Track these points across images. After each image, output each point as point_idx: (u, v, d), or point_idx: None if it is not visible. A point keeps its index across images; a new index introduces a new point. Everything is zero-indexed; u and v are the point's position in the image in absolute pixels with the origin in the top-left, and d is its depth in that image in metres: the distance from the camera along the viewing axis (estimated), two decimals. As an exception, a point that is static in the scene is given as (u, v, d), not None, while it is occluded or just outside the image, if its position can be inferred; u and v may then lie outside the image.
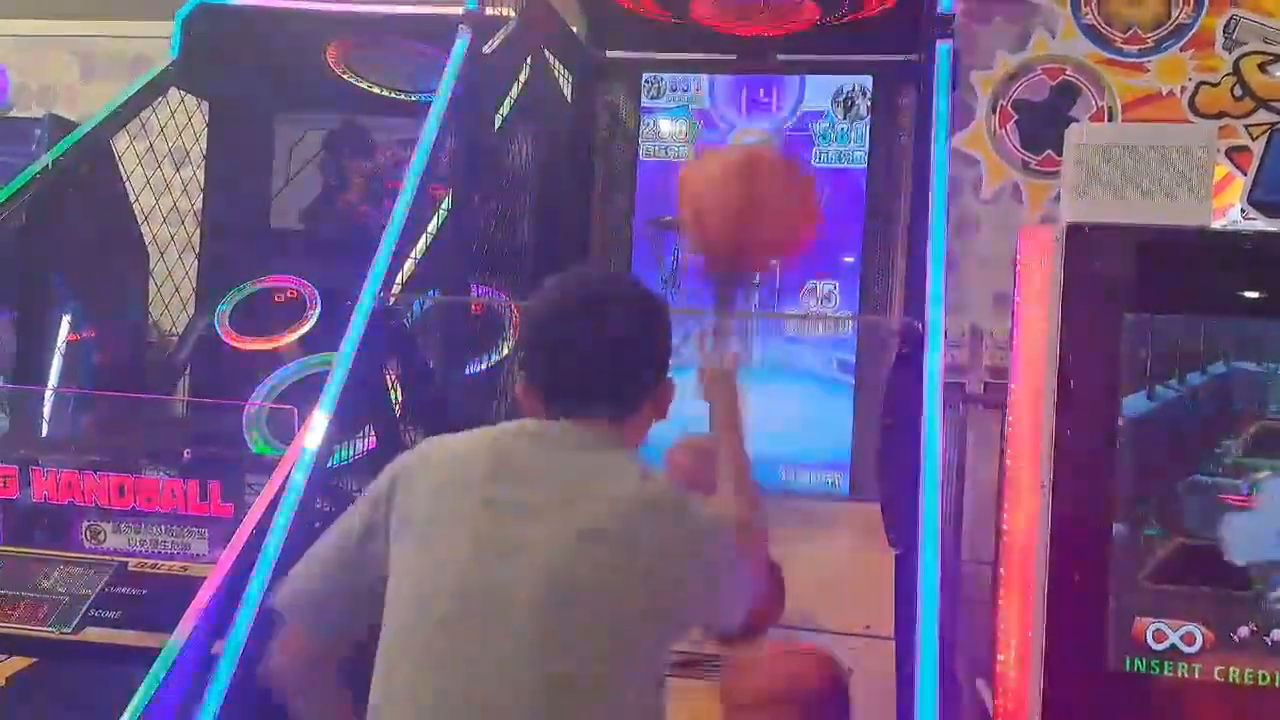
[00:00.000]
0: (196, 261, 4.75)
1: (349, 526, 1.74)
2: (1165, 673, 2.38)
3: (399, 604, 1.63)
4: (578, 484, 1.64)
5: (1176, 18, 4.51)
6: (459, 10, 3.39)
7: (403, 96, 4.75)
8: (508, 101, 3.75)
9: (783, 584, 2.37)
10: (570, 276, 1.83)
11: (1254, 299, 2.43)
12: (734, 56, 4.31)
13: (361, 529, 1.72)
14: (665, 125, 4.57)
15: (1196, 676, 2.37)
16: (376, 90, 4.79)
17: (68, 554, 3.01)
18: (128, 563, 2.98)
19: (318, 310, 4.45)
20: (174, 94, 4.44)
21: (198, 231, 4.78)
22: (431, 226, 3.43)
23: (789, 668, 2.30)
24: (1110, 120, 4.52)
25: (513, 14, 3.65)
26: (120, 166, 4.22)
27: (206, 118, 4.72)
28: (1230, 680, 2.36)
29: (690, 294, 4.04)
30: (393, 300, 2.95)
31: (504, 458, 1.70)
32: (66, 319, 4.11)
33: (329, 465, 2.79)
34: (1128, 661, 2.38)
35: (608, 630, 1.56)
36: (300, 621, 1.74)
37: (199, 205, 4.77)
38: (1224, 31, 4.46)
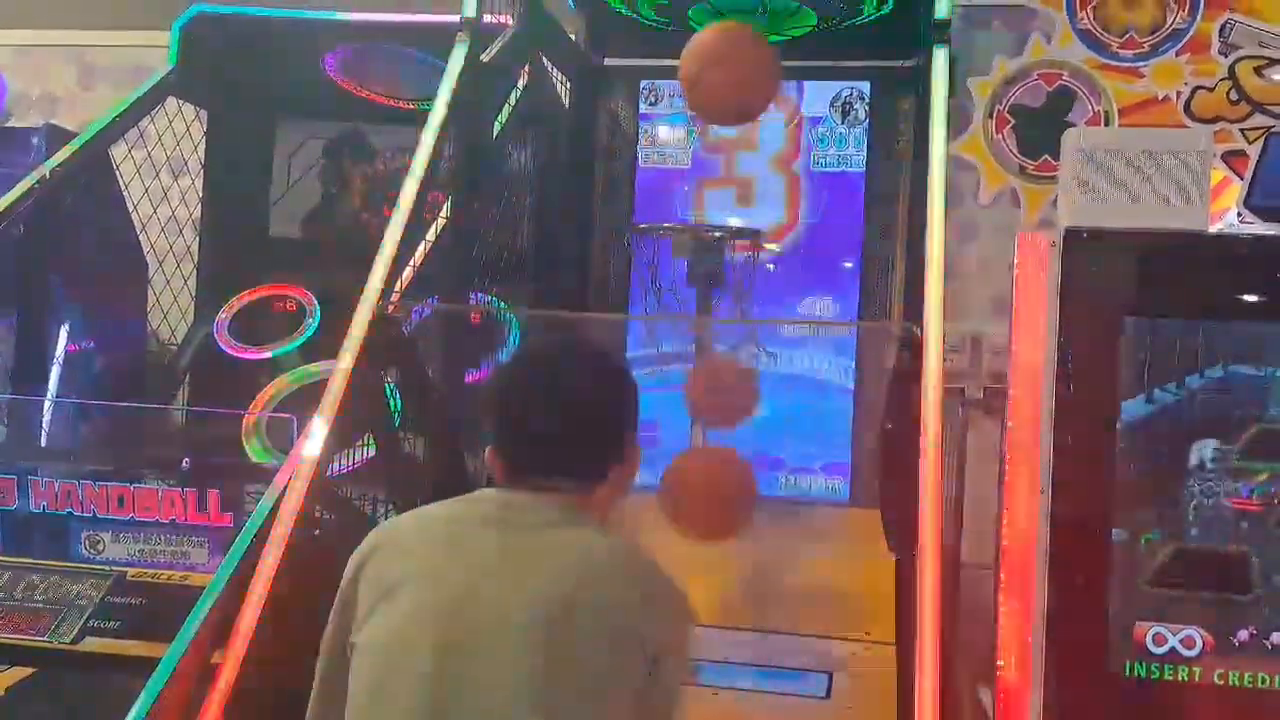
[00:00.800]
0: (195, 270, 4.75)
1: (325, 639, 1.74)
2: (1166, 676, 2.37)
3: (365, 673, 1.62)
4: (534, 553, 1.63)
5: (1172, 22, 4.51)
6: (457, 18, 3.39)
7: (402, 104, 4.75)
8: (506, 109, 3.75)
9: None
10: (533, 345, 1.83)
11: (1252, 303, 2.42)
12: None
13: (334, 633, 1.72)
14: (663, 132, 4.58)
15: (1197, 680, 2.36)
16: (375, 98, 4.79)
17: (67, 564, 3.01)
18: (127, 572, 2.97)
19: (317, 318, 4.45)
20: (172, 102, 4.44)
21: (196, 240, 4.78)
22: (431, 234, 3.43)
23: None
24: (1107, 125, 4.52)
25: (511, 22, 3.65)
26: (119, 175, 4.22)
27: (205, 126, 4.72)
28: (1230, 683, 2.36)
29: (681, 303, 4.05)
30: (392, 308, 2.95)
31: (459, 534, 1.69)
32: (65, 328, 4.11)
33: (328, 474, 2.79)
34: (1128, 666, 2.38)
35: (578, 682, 1.55)
36: None
37: (197, 214, 4.76)
38: (1219, 36, 4.46)
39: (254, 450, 3.63)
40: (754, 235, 3.92)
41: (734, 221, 4.41)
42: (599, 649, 1.57)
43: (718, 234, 3.79)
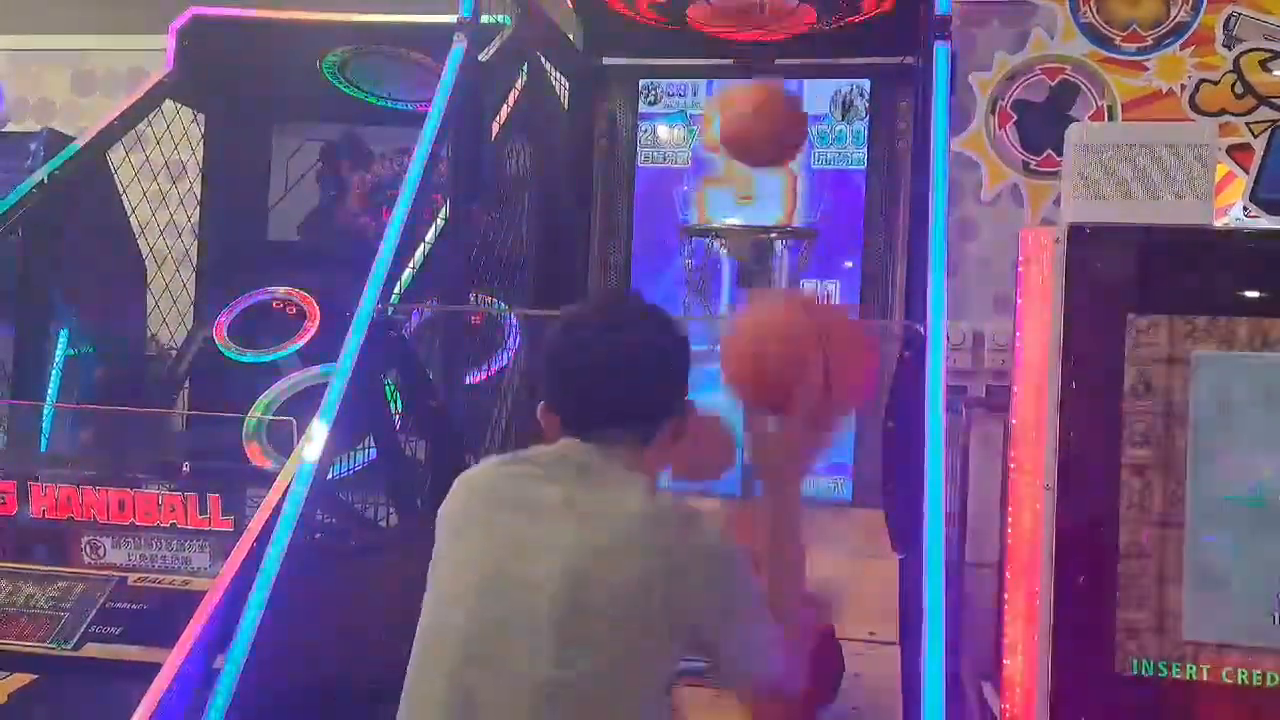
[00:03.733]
0: (194, 274, 4.74)
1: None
2: (1173, 674, 2.36)
3: (424, 619, 1.70)
4: (586, 503, 1.65)
5: (1176, 15, 4.49)
6: (454, 19, 3.38)
7: (400, 106, 4.74)
8: (505, 109, 3.74)
9: (837, 667, 2.38)
10: (590, 301, 1.84)
11: (1257, 297, 2.41)
12: (731, 61, 4.30)
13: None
14: (663, 131, 4.57)
15: (1205, 678, 2.35)
16: (373, 100, 4.79)
17: (68, 570, 3.00)
18: (128, 577, 2.97)
19: (317, 321, 4.44)
20: (169, 106, 4.44)
21: (195, 244, 4.77)
22: (429, 236, 3.42)
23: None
24: (1110, 119, 4.50)
25: (508, 21, 3.64)
26: (117, 179, 4.21)
27: (203, 129, 4.72)
28: (1239, 681, 2.34)
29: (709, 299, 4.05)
30: (391, 310, 2.94)
31: (515, 481, 1.74)
32: (64, 333, 4.10)
33: (329, 477, 2.78)
34: (1134, 663, 2.37)
35: (622, 637, 1.58)
36: None
37: (196, 217, 4.76)
38: (1224, 29, 4.45)
39: (254, 454, 3.62)
40: (808, 236, 3.93)
41: (733, 221, 4.39)
42: (621, 614, 1.58)
43: (772, 235, 3.79)
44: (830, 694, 2.40)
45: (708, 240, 3.94)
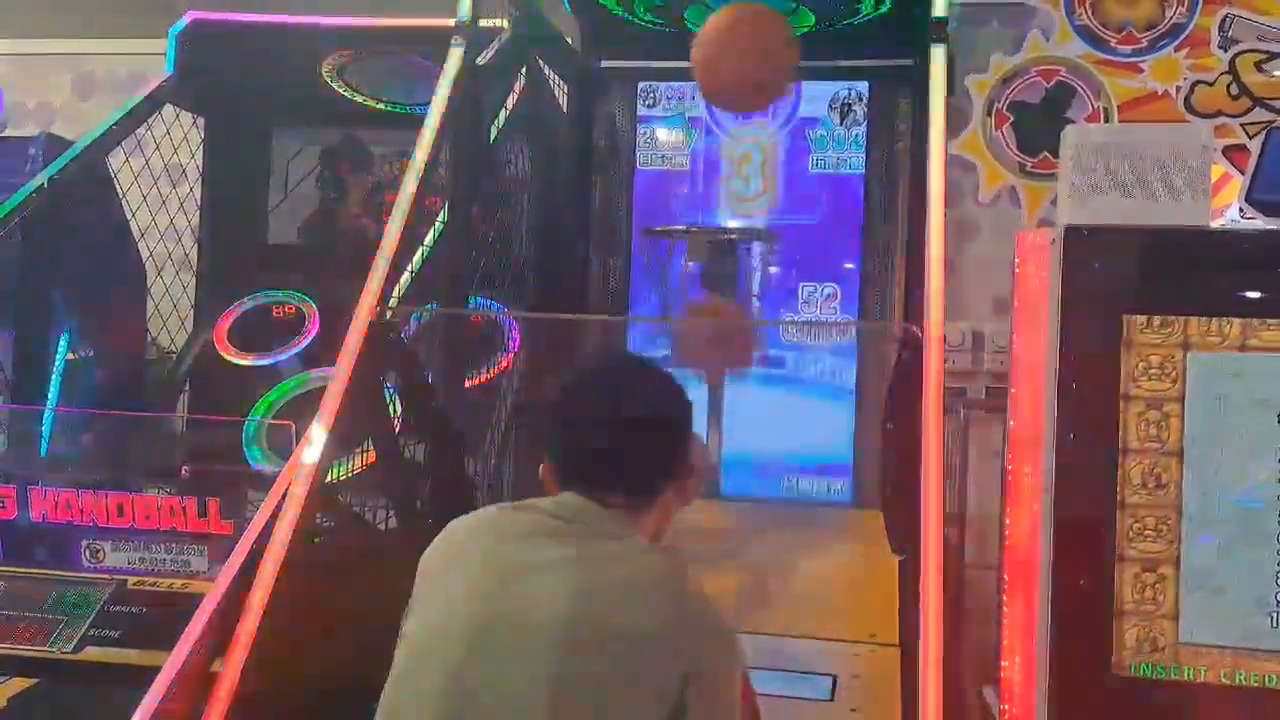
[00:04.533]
0: (194, 278, 4.75)
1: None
2: (1171, 676, 2.36)
3: (400, 660, 1.67)
4: (582, 562, 1.64)
5: (1171, 17, 4.50)
6: (453, 22, 3.38)
7: (399, 109, 4.75)
8: (503, 112, 3.75)
9: None
10: (593, 361, 1.85)
11: (1253, 299, 2.41)
12: (730, 64, 4.30)
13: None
14: (662, 134, 4.58)
15: (1203, 679, 2.35)
16: (373, 103, 4.79)
17: (67, 573, 3.00)
18: (127, 581, 2.97)
19: (317, 325, 4.44)
20: (169, 110, 4.44)
21: (195, 247, 4.77)
22: (429, 239, 3.43)
23: None
24: (1106, 121, 4.51)
25: (506, 25, 3.64)
26: (117, 184, 4.22)
27: (202, 133, 4.72)
28: (1238, 682, 2.34)
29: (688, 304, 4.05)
30: (390, 313, 2.94)
31: (508, 533, 1.71)
32: (65, 337, 4.10)
33: (327, 480, 2.78)
34: (1133, 665, 2.37)
35: (612, 694, 1.56)
36: None
37: (196, 221, 4.76)
38: (1219, 30, 4.46)
39: (254, 457, 3.62)
40: (768, 237, 3.93)
41: (734, 223, 4.41)
42: (622, 665, 1.56)
43: (732, 236, 3.79)
44: None
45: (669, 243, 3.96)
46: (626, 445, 1.73)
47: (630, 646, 1.57)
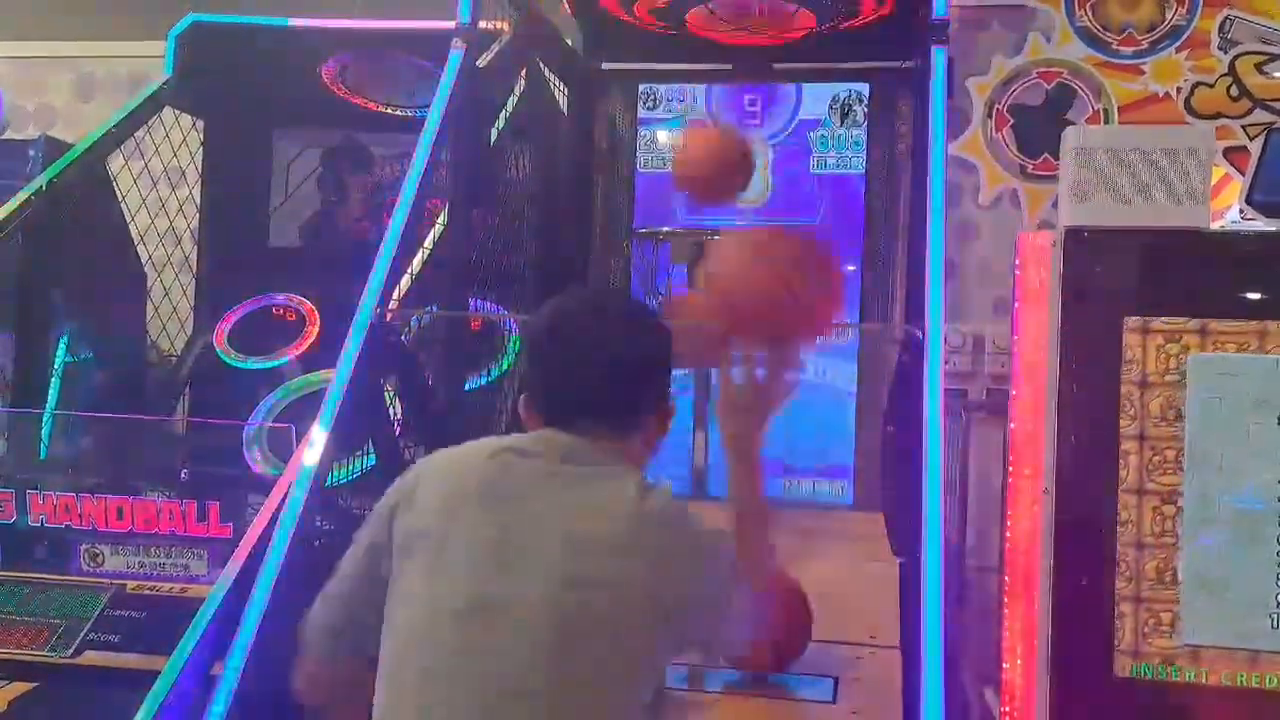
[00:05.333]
0: (194, 280, 4.74)
1: (355, 552, 1.76)
2: (1172, 678, 2.36)
3: (404, 618, 1.65)
4: (576, 497, 1.65)
5: (1171, 19, 4.50)
6: (453, 24, 3.38)
7: (399, 111, 4.74)
8: (503, 115, 3.74)
9: (806, 621, 2.39)
10: (571, 294, 1.85)
11: (1254, 300, 2.41)
12: (730, 66, 4.31)
13: (367, 551, 1.74)
14: (662, 136, 4.57)
15: (1203, 681, 2.35)
16: (373, 105, 4.79)
17: (67, 577, 3.00)
18: (126, 585, 2.96)
19: (317, 327, 4.44)
20: (169, 112, 4.44)
21: (195, 250, 4.77)
22: (429, 241, 3.42)
23: None
24: (1107, 123, 4.51)
25: (507, 27, 3.64)
26: (116, 186, 4.21)
27: (202, 136, 4.72)
28: (1238, 684, 2.34)
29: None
30: (390, 316, 2.94)
31: (502, 473, 1.70)
32: (64, 340, 4.10)
33: (328, 483, 2.78)
34: (1134, 667, 2.37)
35: (610, 640, 1.58)
36: (317, 651, 1.79)
37: (196, 224, 4.76)
38: (1219, 32, 4.45)
39: (254, 461, 3.62)
40: None
41: (719, 222, 4.40)
42: (627, 601, 1.58)
43: (715, 236, 3.77)
44: (800, 648, 2.40)
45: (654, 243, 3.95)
46: (606, 379, 1.73)
47: (634, 586, 1.59)
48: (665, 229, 4.13)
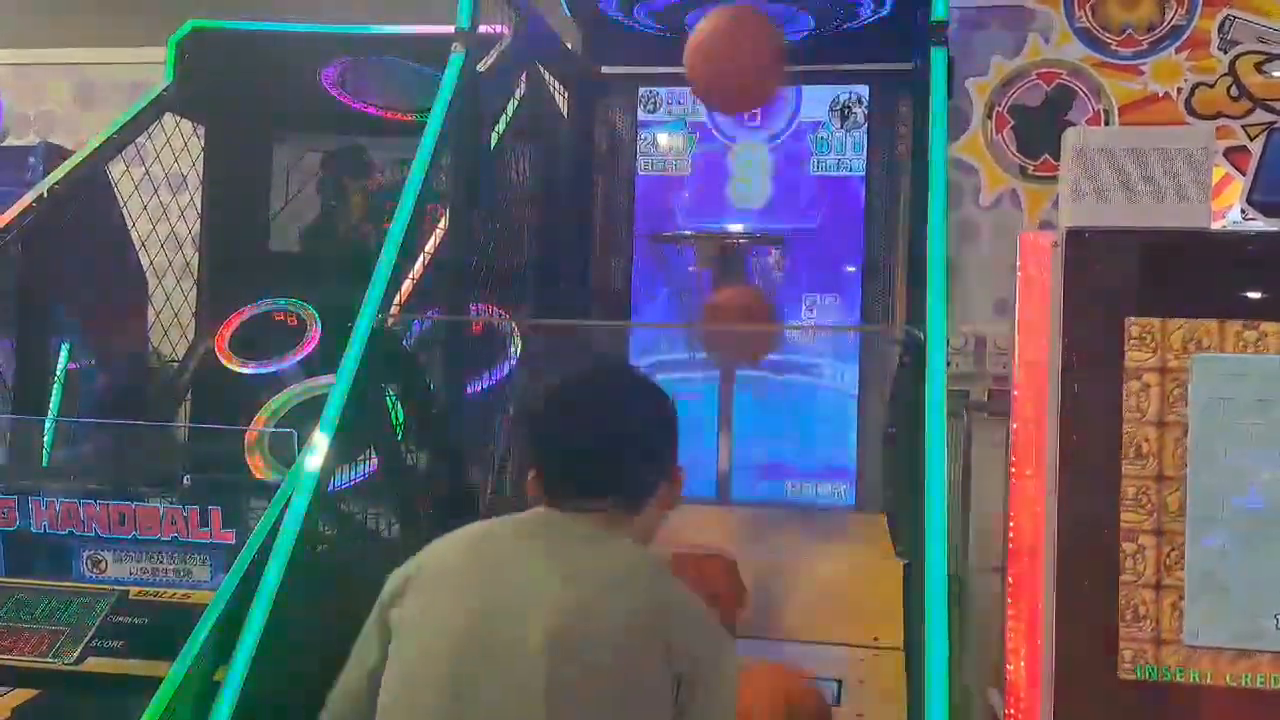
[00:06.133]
0: (195, 286, 4.74)
1: (360, 644, 1.78)
2: (1176, 678, 2.36)
3: (385, 697, 1.66)
4: (563, 564, 1.65)
5: (1171, 19, 4.50)
6: (453, 29, 3.38)
7: (400, 116, 4.74)
8: (504, 118, 3.74)
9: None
10: (578, 370, 1.86)
11: (1255, 300, 2.41)
12: (729, 69, 4.30)
13: (364, 643, 1.76)
14: (663, 139, 4.57)
15: (1208, 682, 2.35)
16: (373, 110, 4.79)
17: (69, 584, 3.00)
18: (129, 591, 2.96)
19: (318, 332, 4.44)
20: (170, 118, 4.44)
21: (196, 256, 4.77)
22: (430, 246, 3.42)
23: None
24: (1107, 123, 4.51)
25: (507, 31, 3.64)
26: (117, 192, 4.21)
27: (203, 141, 4.72)
28: (1242, 685, 2.34)
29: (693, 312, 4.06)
30: (391, 321, 2.94)
31: (492, 550, 1.71)
32: (65, 347, 4.10)
33: (330, 488, 2.78)
34: (1137, 668, 2.36)
35: (611, 694, 1.57)
36: None
37: (197, 230, 4.76)
38: (1219, 32, 4.46)
39: (256, 466, 3.62)
40: (774, 242, 3.93)
41: (735, 228, 4.40)
42: (618, 660, 1.57)
43: (741, 241, 3.80)
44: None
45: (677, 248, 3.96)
46: (610, 454, 1.74)
47: (620, 652, 1.57)
48: (688, 232, 4.14)
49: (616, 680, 1.57)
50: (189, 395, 4.59)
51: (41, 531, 3.02)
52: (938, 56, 3.21)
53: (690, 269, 3.98)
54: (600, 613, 1.59)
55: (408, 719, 1.62)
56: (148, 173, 4.36)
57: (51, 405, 3.99)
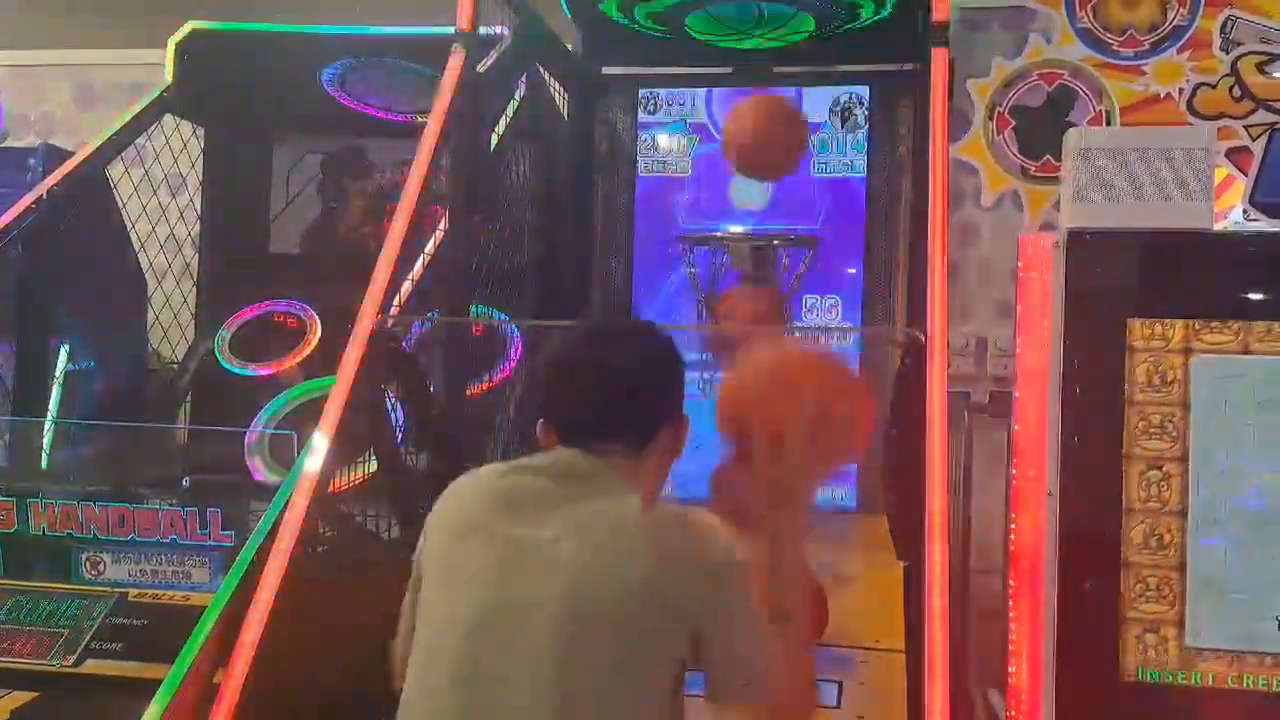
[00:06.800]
0: (195, 287, 4.74)
1: (408, 594, 1.81)
2: (1178, 680, 2.35)
3: (421, 636, 1.70)
4: (584, 507, 1.66)
5: (1172, 19, 4.50)
6: (453, 30, 3.37)
7: (400, 117, 4.74)
8: (504, 120, 3.74)
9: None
10: (585, 321, 1.88)
11: (1257, 300, 2.40)
12: (730, 70, 4.30)
13: (411, 584, 1.80)
14: (663, 140, 4.57)
15: (1209, 684, 2.34)
16: (373, 112, 4.79)
17: (68, 586, 3.00)
18: (128, 593, 2.96)
19: (318, 334, 4.43)
20: (169, 119, 4.44)
21: (196, 257, 4.77)
22: (430, 247, 3.42)
23: None
24: (1108, 124, 4.51)
25: (507, 32, 3.63)
26: (117, 194, 4.21)
27: (203, 143, 4.72)
28: (1244, 687, 2.33)
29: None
30: (391, 322, 2.93)
31: (512, 491, 1.74)
32: (65, 348, 4.09)
33: (330, 489, 2.78)
34: (1140, 670, 2.36)
35: (626, 644, 1.59)
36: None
37: (196, 231, 4.76)
38: (1221, 32, 4.45)
39: (256, 467, 3.61)
40: (810, 243, 3.94)
41: (735, 229, 4.40)
42: (628, 619, 1.59)
43: (774, 243, 3.81)
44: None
45: (710, 249, 3.97)
46: (618, 399, 1.76)
47: (630, 611, 1.59)
48: (719, 233, 4.15)
49: (626, 638, 1.59)
50: (189, 397, 4.59)
51: (40, 533, 3.01)
52: (938, 57, 3.21)
53: (720, 265, 4.01)
54: (613, 570, 1.61)
55: (431, 664, 1.65)
56: (147, 174, 4.35)
57: (51, 406, 3.98)
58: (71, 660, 2.80)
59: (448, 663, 1.62)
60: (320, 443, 2.71)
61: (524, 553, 1.64)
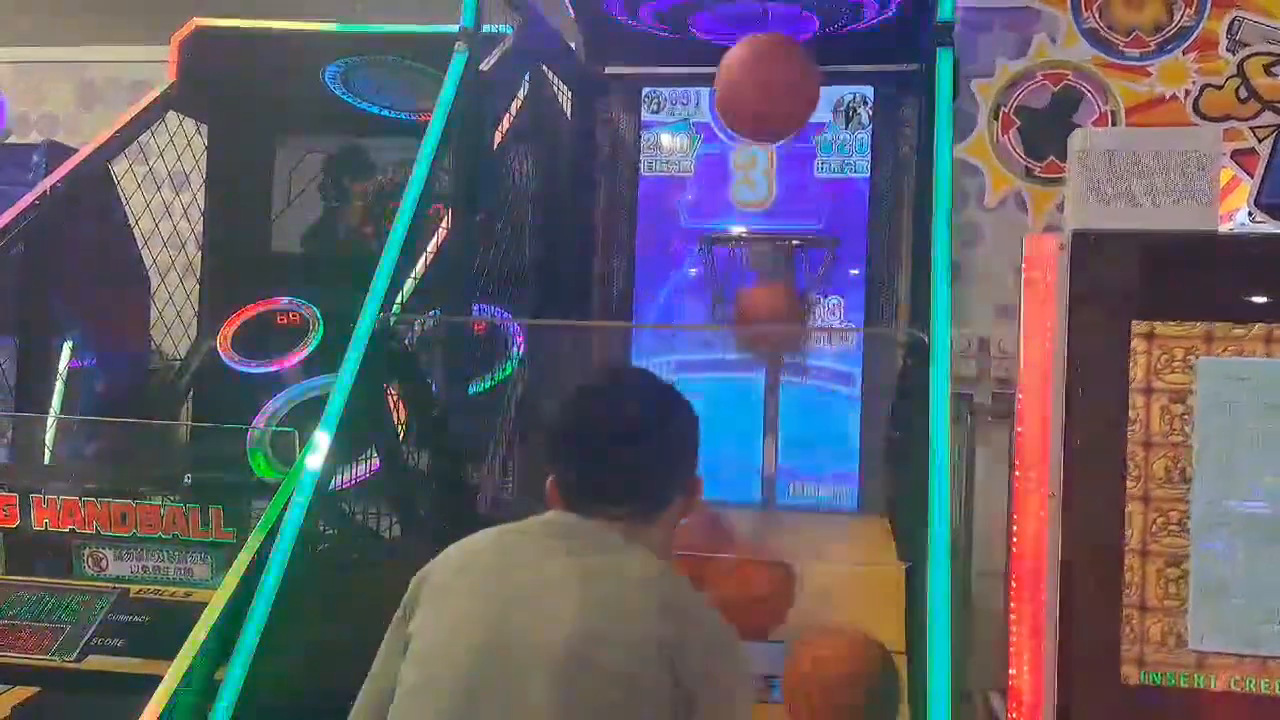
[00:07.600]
0: (198, 285, 4.74)
1: (383, 647, 1.78)
2: (1180, 684, 2.34)
3: (414, 670, 1.66)
4: (578, 566, 1.64)
5: (1179, 20, 4.49)
6: (456, 28, 3.37)
7: (402, 116, 4.74)
8: (507, 119, 3.73)
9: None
10: (597, 377, 1.85)
11: (1262, 303, 2.39)
12: (732, 70, 4.29)
13: (390, 641, 1.76)
14: (666, 140, 4.57)
15: (1212, 687, 2.33)
16: (376, 110, 4.78)
17: (70, 582, 3.00)
18: (130, 590, 2.96)
19: (320, 333, 4.43)
20: (172, 117, 4.44)
21: (198, 255, 4.77)
22: (431, 246, 3.41)
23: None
24: (1114, 125, 4.50)
25: (510, 31, 3.63)
26: (120, 191, 4.21)
27: (205, 140, 4.72)
28: (1247, 690, 2.33)
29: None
30: (393, 321, 2.93)
31: (503, 553, 1.72)
32: (68, 345, 4.10)
33: (331, 487, 2.77)
34: (1143, 673, 2.35)
35: (622, 699, 1.56)
36: None
37: (199, 229, 4.75)
38: (1227, 33, 4.44)
39: (258, 465, 3.61)
40: (829, 244, 3.95)
41: (736, 229, 4.40)
42: (628, 676, 1.56)
43: (793, 243, 3.82)
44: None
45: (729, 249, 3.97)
46: (630, 465, 1.73)
47: (631, 663, 1.56)
48: (737, 233, 4.15)
49: (623, 696, 1.56)
50: (191, 394, 4.59)
51: (43, 529, 3.01)
52: (943, 57, 3.20)
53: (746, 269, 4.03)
54: (613, 627, 1.58)
55: (423, 711, 1.62)
56: (150, 171, 4.35)
57: (53, 404, 3.98)
58: (73, 656, 2.80)
59: (446, 713, 1.59)
60: (321, 440, 2.71)
61: (521, 610, 1.61)
